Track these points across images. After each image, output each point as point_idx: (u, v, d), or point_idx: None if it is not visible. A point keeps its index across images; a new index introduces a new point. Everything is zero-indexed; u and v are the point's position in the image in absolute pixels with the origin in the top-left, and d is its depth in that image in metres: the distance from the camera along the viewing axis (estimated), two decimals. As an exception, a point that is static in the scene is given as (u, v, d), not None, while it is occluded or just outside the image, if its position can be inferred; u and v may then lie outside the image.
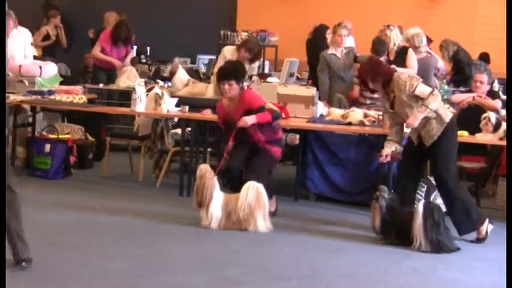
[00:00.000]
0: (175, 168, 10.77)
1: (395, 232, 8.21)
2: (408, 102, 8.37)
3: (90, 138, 11.91)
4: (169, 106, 10.35)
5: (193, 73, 13.47)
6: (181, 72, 12.46)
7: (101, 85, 12.50)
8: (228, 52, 11.83)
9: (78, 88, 11.71)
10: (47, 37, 15.90)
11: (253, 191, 8.41)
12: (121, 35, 13.43)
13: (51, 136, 11.25)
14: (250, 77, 11.71)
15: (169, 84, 12.01)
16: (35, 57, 12.78)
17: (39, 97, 11.09)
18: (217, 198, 8.50)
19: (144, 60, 15.41)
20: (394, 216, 8.19)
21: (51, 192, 10.07)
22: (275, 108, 9.70)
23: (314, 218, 9.31)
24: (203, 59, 15.58)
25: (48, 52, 15.25)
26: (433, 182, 9.50)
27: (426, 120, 8.39)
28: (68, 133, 11.55)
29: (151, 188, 10.54)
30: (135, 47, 14.12)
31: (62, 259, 7.17)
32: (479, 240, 8.52)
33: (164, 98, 10.34)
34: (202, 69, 15.01)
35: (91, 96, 11.35)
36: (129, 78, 12.32)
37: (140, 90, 10.41)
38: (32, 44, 12.95)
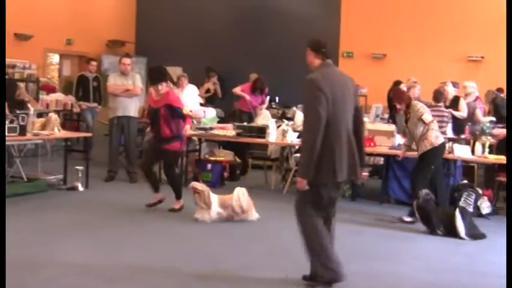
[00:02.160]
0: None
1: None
2: (416, 122, 8.64)
3: (237, 159, 12.02)
4: (292, 138, 10.44)
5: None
6: (300, 114, 12.52)
7: (245, 123, 12.66)
8: None
9: (230, 125, 11.85)
10: (208, 91, 16.19)
11: (243, 193, 8.56)
12: (257, 86, 13.60)
13: (211, 158, 11.44)
14: None
15: (292, 122, 12.07)
16: (200, 105, 13.04)
17: (203, 132, 11.31)
18: (215, 199, 8.47)
19: (274, 106, 15.56)
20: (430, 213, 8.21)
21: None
22: (189, 113, 9.33)
23: (393, 216, 9.25)
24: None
25: (209, 101, 15.52)
26: (479, 191, 9.40)
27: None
28: (222, 156, 11.68)
29: (279, 194, 10.59)
30: (268, 97, 14.21)
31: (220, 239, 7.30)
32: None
33: (289, 132, 10.45)
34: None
35: (238, 131, 11.48)
36: (264, 118, 12.43)
37: (272, 127, 10.55)
38: (198, 95, 13.24)
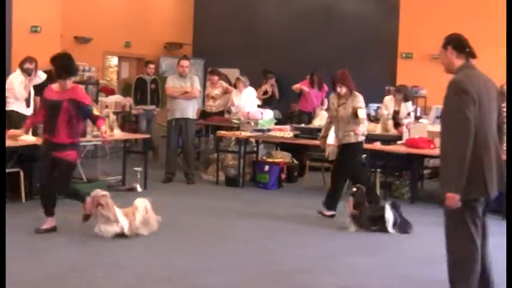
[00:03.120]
0: (355, 182, 10.71)
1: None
2: (350, 113, 8.70)
3: (295, 161, 12.02)
4: (350, 139, 10.36)
5: (367, 116, 13.37)
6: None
7: (303, 124, 12.64)
8: (387, 100, 11.79)
9: (287, 127, 11.86)
10: (265, 92, 16.23)
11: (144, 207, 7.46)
12: (314, 79, 13.64)
13: (269, 160, 11.46)
14: (409, 114, 11.64)
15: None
16: (258, 106, 13.07)
17: (261, 133, 11.34)
18: (118, 211, 7.32)
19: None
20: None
21: (270, 197, 10.28)
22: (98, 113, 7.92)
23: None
24: (372, 106, 15.50)
25: (266, 102, 15.54)
26: None
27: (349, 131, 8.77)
28: (280, 158, 11.69)
29: (337, 196, 10.51)
30: (327, 98, 14.16)
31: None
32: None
33: (347, 133, 10.38)
34: (372, 113, 14.91)
35: (296, 132, 11.46)
36: (322, 119, 12.37)
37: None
38: (256, 97, 13.27)
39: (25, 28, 13.61)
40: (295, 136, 11.23)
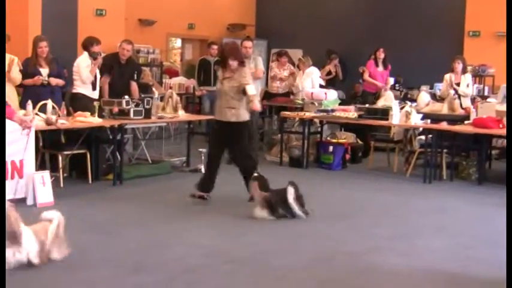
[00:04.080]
0: (420, 163, 10.58)
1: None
2: (236, 88, 8.00)
3: (359, 142, 11.94)
4: (416, 120, 10.24)
5: (432, 96, 13.20)
6: (424, 95, 12.30)
7: (367, 105, 12.53)
8: (447, 77, 11.71)
9: (352, 107, 11.78)
10: (329, 73, 16.13)
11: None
12: (378, 56, 13.50)
13: (333, 140, 11.40)
14: (467, 85, 11.52)
15: (415, 104, 11.85)
16: (321, 87, 13.00)
17: (325, 114, 11.28)
18: (26, 230, 5.40)
19: (397, 88, 15.29)
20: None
21: (334, 178, 10.25)
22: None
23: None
24: (438, 85, 15.24)
25: (330, 83, 15.44)
26: None
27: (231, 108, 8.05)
28: (344, 138, 11.61)
29: (402, 177, 10.38)
30: (392, 79, 13.99)
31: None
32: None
33: (412, 114, 10.26)
34: (438, 92, 14.68)
35: (360, 113, 11.37)
36: (386, 100, 12.24)
37: (396, 108, 10.39)
38: (319, 77, 13.21)
39: (90, 11, 13.80)
40: (360, 116, 11.14)
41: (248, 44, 11.17)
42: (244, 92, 8.00)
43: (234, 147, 8.32)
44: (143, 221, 7.23)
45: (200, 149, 10.31)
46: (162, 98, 10.93)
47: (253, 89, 8.15)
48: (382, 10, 18.23)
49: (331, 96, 12.25)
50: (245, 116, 8.18)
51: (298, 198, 7.49)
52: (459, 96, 11.51)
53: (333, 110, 11.36)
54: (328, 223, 7.43)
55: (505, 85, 12.53)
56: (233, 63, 8.02)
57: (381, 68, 13.56)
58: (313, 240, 6.68)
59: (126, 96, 9.42)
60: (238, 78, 8.02)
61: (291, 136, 11.68)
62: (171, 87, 14.21)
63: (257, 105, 8.22)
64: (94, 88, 10.11)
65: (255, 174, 7.71)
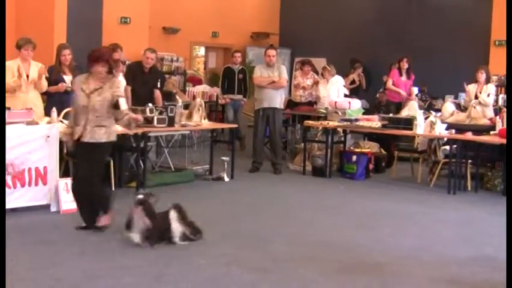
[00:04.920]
0: (444, 174, 10.50)
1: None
2: (108, 102, 6.77)
3: (383, 151, 11.88)
4: (440, 130, 10.17)
5: (456, 106, 13.11)
6: (449, 105, 12.21)
7: (391, 114, 12.46)
8: (471, 87, 11.70)
9: (375, 117, 11.73)
10: (353, 82, 16.10)
11: None
12: (401, 66, 13.45)
13: (356, 150, 11.35)
14: (488, 95, 11.45)
15: (440, 114, 11.77)
16: (345, 96, 12.97)
17: (348, 123, 11.25)
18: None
19: (420, 97, 15.22)
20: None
21: (357, 188, 10.20)
22: None
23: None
24: (463, 95, 15.16)
25: (353, 92, 15.42)
26: None
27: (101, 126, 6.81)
28: (367, 148, 11.57)
29: (426, 188, 10.32)
30: (416, 88, 13.91)
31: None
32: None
33: (437, 124, 10.19)
34: (462, 102, 14.59)
35: (384, 122, 11.31)
36: (410, 110, 12.17)
37: (420, 118, 10.33)
38: (343, 86, 13.18)
39: (115, 19, 13.88)
40: (383, 126, 11.09)
41: (272, 52, 11.20)
42: (116, 105, 6.84)
43: (91, 166, 6.91)
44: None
45: (223, 157, 10.32)
46: (186, 106, 10.95)
47: (125, 103, 6.96)
48: (406, 18, 18.17)
49: (355, 105, 12.21)
50: (114, 135, 7.08)
51: (184, 220, 6.62)
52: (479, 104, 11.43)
53: (356, 120, 11.32)
54: (352, 233, 7.39)
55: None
56: (101, 71, 6.82)
57: (404, 78, 13.50)
58: (337, 250, 6.65)
59: (150, 104, 9.46)
60: (110, 89, 6.83)
61: (314, 145, 11.66)
62: (194, 96, 14.23)
63: (137, 117, 7.12)
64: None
65: (140, 197, 6.54)
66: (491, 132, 10.19)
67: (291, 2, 20.33)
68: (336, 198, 9.42)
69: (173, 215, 6.56)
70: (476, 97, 11.47)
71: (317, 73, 14.10)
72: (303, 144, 11.64)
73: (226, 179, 10.31)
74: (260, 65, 11.43)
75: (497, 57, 16.85)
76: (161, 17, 16.22)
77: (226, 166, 10.35)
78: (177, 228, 6.53)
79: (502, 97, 15.16)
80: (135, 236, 6.39)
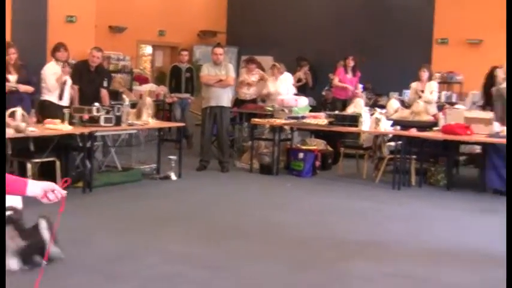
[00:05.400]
0: (389, 169, 10.64)
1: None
2: None
3: (329, 148, 11.97)
4: (385, 126, 10.30)
5: (400, 102, 13.28)
6: (393, 102, 12.37)
7: (337, 112, 12.57)
8: (414, 84, 11.91)
9: (322, 114, 11.80)
10: (299, 80, 16.18)
11: None
12: (348, 64, 13.57)
13: (303, 147, 11.42)
14: (431, 92, 11.62)
15: (385, 110, 11.91)
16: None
17: (295, 120, 11.30)
18: None
19: (366, 94, 15.37)
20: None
21: (305, 185, 10.26)
22: None
23: (490, 205, 9.04)
24: (407, 92, 15.38)
25: (300, 90, 15.47)
26: None
27: None
28: (314, 145, 11.64)
29: (372, 184, 10.44)
30: (360, 85, 14.06)
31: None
32: None
33: (382, 120, 10.32)
34: (406, 99, 14.81)
35: (330, 120, 11.40)
36: (356, 107, 12.29)
37: (366, 115, 10.44)
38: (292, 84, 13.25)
39: (61, 18, 13.68)
40: (330, 123, 11.18)
41: (219, 50, 11.20)
42: None
43: None
44: (114, 228, 7.18)
45: (170, 156, 10.28)
46: (133, 105, 10.87)
47: None
48: (351, 18, 18.35)
49: (302, 103, 12.26)
50: None
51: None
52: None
53: (303, 117, 11.37)
54: (302, 230, 7.44)
55: (473, 92, 12.72)
56: None
57: (350, 75, 13.64)
58: (289, 246, 6.68)
59: (97, 103, 9.37)
60: None
61: (261, 143, 11.68)
62: (141, 95, 14.13)
63: None
64: (60, 98, 10.05)
65: (8, 214, 5.50)
66: (435, 128, 10.38)
67: (238, 0, 20.35)
68: (284, 196, 9.47)
69: (43, 225, 5.57)
70: (419, 96, 11.64)
71: (263, 71, 14.15)
72: (250, 142, 11.66)
73: (174, 177, 10.27)
74: (207, 64, 11.41)
75: (439, 55, 17.18)
76: (107, 15, 16.06)
77: (173, 165, 10.31)
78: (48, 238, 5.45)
79: (445, 94, 15.45)
80: (12, 263, 5.35)
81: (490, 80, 13.37)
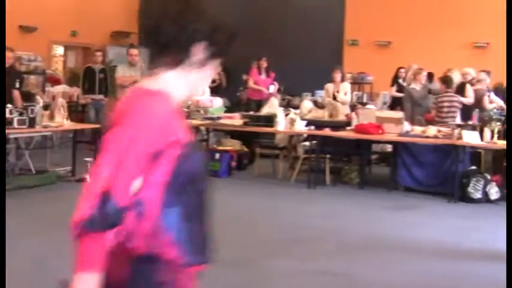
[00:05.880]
0: (305, 169, 10.79)
1: None
2: None
3: (245, 149, 12.03)
4: (300, 126, 10.45)
5: (313, 103, 13.48)
6: (306, 103, 12.56)
7: (252, 112, 12.66)
8: (328, 86, 12.09)
9: (237, 115, 11.87)
10: (213, 81, 16.18)
11: None
12: (261, 65, 13.65)
13: (219, 148, 11.45)
14: (345, 93, 11.84)
15: (298, 111, 12.05)
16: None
17: (211, 121, 11.32)
18: None
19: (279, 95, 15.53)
20: None
21: (221, 186, 10.20)
22: None
23: (401, 202, 9.32)
24: (319, 93, 15.60)
25: (214, 91, 15.47)
26: (488, 176, 9.44)
27: None
28: (230, 145, 11.69)
29: (287, 183, 10.56)
30: (272, 86, 14.18)
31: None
32: None
33: (297, 120, 10.46)
34: (319, 100, 15.03)
35: (245, 120, 11.47)
36: (271, 107, 12.42)
37: (281, 115, 10.56)
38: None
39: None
40: (245, 124, 11.25)
41: (134, 52, 11.14)
42: None
43: None
44: (28, 232, 7.03)
45: (86, 158, 10.12)
46: (46, 107, 10.66)
47: None
48: (264, 19, 18.49)
49: (217, 103, 12.31)
50: None
51: None
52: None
53: (218, 118, 11.41)
54: (219, 230, 7.42)
55: (385, 92, 13.05)
56: None
57: (263, 76, 13.75)
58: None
59: (9, 105, 9.15)
60: None
61: (177, 144, 11.61)
62: (54, 96, 13.87)
63: None
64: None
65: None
66: (348, 128, 10.59)
67: (151, 0, 20.18)
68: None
69: None
70: (334, 97, 11.83)
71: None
72: (166, 142, 11.57)
73: (89, 180, 10.10)
74: (123, 65, 11.33)
75: (350, 56, 17.53)
76: (18, 15, 15.66)
77: (89, 167, 10.14)
78: None
79: (356, 94, 15.76)
80: None
81: (397, 80, 13.83)
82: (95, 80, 13.52)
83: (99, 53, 13.96)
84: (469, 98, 11.65)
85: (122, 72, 10.99)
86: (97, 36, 18.31)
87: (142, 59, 11.60)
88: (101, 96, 13.58)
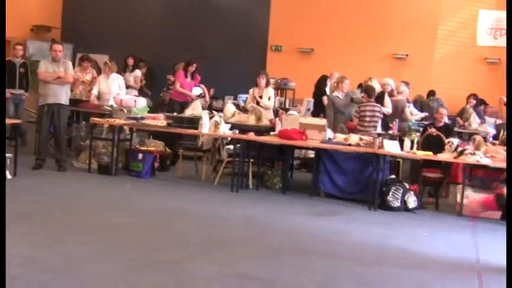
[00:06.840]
0: (228, 172, 10.83)
1: None
2: None
3: (168, 150, 11.97)
4: (224, 129, 10.47)
5: (236, 106, 13.55)
6: (230, 106, 12.58)
7: (175, 113, 12.61)
8: (251, 91, 12.19)
9: (161, 115, 11.79)
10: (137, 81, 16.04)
11: None
12: (189, 69, 13.58)
13: (142, 148, 11.35)
14: (269, 98, 11.95)
15: (221, 114, 12.08)
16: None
17: (134, 121, 11.21)
18: None
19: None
20: None
21: (144, 186, 10.20)
22: None
23: (323, 208, 9.46)
24: (242, 97, 15.67)
25: (138, 91, 15.36)
26: (406, 185, 9.69)
27: None
28: (153, 146, 11.59)
29: (210, 186, 10.57)
30: (196, 88, 14.17)
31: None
32: None
33: (221, 124, 10.48)
34: (241, 103, 15.10)
35: (169, 121, 11.42)
36: (194, 109, 12.40)
37: (205, 118, 10.55)
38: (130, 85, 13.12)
39: None
40: (169, 125, 11.19)
41: (58, 47, 10.90)
42: None
43: None
44: None
45: (6, 154, 9.88)
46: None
47: None
48: (190, 21, 18.47)
49: (140, 103, 12.19)
50: None
51: None
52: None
53: (142, 118, 11.31)
54: (143, 231, 7.40)
55: (308, 99, 13.22)
56: None
57: (189, 79, 13.69)
58: (130, 248, 6.62)
59: None
60: None
61: (99, 142, 11.47)
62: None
63: None
64: None
65: None
66: (271, 133, 10.68)
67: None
68: (123, 197, 9.37)
69: None
70: (257, 102, 11.90)
71: (100, 70, 13.95)
72: (88, 141, 11.42)
73: (9, 176, 9.86)
74: (45, 60, 11.06)
75: (273, 62, 17.69)
76: None
77: (8, 163, 9.91)
78: None
79: (278, 99, 15.90)
80: None
81: (320, 88, 14.05)
82: (15, 74, 13.17)
83: (19, 47, 13.63)
84: (388, 108, 11.97)
85: (45, 68, 10.72)
86: (17, 30, 17.84)
87: (63, 54, 11.37)
88: (21, 91, 13.27)
